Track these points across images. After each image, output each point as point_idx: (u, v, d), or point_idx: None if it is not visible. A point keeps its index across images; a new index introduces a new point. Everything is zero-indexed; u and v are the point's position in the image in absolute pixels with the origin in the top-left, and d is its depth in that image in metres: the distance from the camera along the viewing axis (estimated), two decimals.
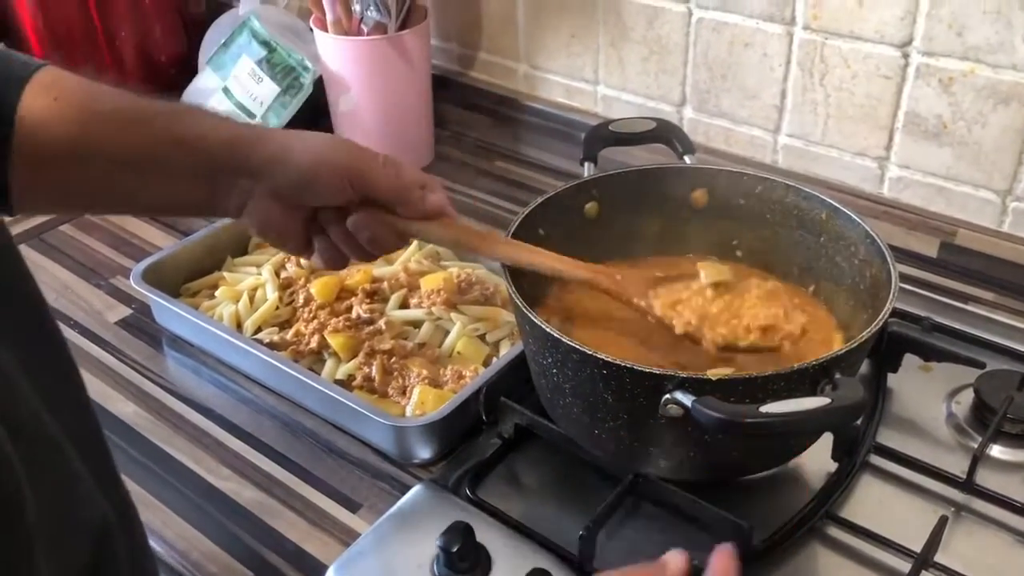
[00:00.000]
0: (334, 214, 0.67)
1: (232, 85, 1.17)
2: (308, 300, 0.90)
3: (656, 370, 0.59)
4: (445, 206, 0.69)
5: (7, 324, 0.44)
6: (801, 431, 0.56)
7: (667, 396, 0.59)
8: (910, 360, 0.82)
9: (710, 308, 0.72)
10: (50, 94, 0.59)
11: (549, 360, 0.66)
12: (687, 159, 0.85)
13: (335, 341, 0.84)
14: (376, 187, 0.65)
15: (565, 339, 0.62)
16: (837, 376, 0.59)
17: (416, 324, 0.88)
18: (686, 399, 0.57)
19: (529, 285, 0.74)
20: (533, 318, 0.65)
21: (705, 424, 0.55)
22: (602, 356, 0.60)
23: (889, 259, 0.69)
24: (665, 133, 0.85)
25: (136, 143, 0.61)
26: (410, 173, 0.67)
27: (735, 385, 0.58)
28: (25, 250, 1.08)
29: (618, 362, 0.60)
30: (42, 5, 1.29)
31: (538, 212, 0.78)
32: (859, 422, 0.77)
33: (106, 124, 0.61)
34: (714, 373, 0.58)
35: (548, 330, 0.63)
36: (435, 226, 0.69)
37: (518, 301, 0.67)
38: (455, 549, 0.64)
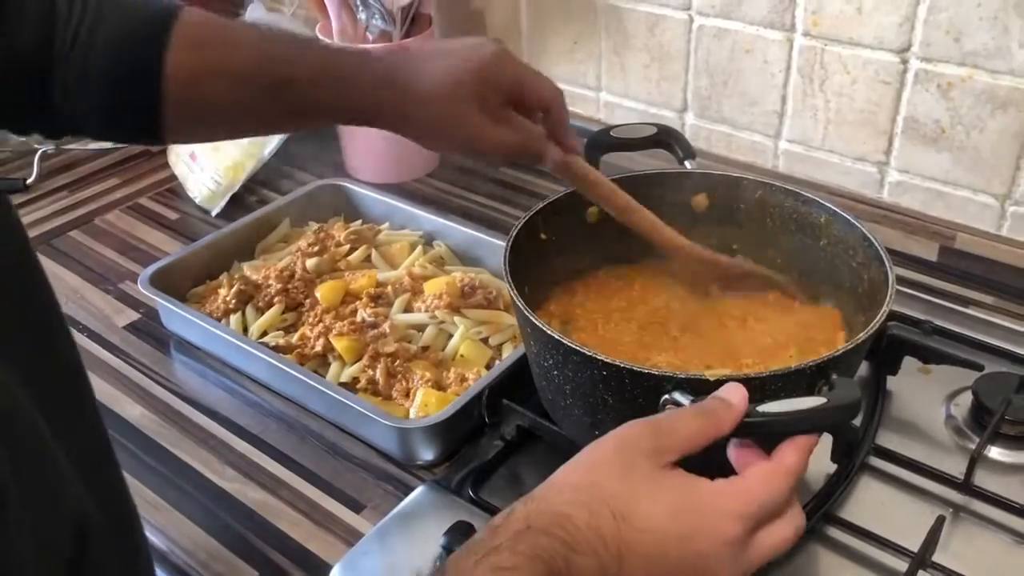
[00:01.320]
0: None
1: None
2: (313, 304, 0.91)
3: (655, 371, 0.60)
4: (562, 158, 0.73)
5: (13, 328, 0.44)
6: (798, 431, 0.56)
7: (666, 396, 0.59)
8: (909, 363, 0.82)
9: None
10: (194, 50, 0.64)
11: (550, 362, 0.67)
12: (688, 164, 0.85)
13: (340, 344, 0.85)
14: (488, 156, 0.71)
15: (566, 341, 0.63)
16: (834, 376, 0.60)
17: (420, 327, 0.89)
18: (684, 399, 0.58)
19: (531, 289, 0.75)
20: (535, 320, 0.66)
21: None
22: (602, 357, 0.61)
23: (887, 262, 0.70)
24: (666, 138, 0.86)
25: (275, 108, 0.67)
26: (539, 97, 0.71)
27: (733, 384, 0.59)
28: None
29: (617, 363, 0.61)
30: None
31: (540, 216, 0.79)
32: (858, 424, 0.77)
33: (247, 87, 0.65)
34: (712, 373, 0.59)
35: (550, 332, 0.64)
36: (557, 173, 0.74)
37: (520, 304, 0.68)
38: (457, 548, 0.64)
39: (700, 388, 0.58)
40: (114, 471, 0.54)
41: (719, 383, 0.59)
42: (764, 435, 0.53)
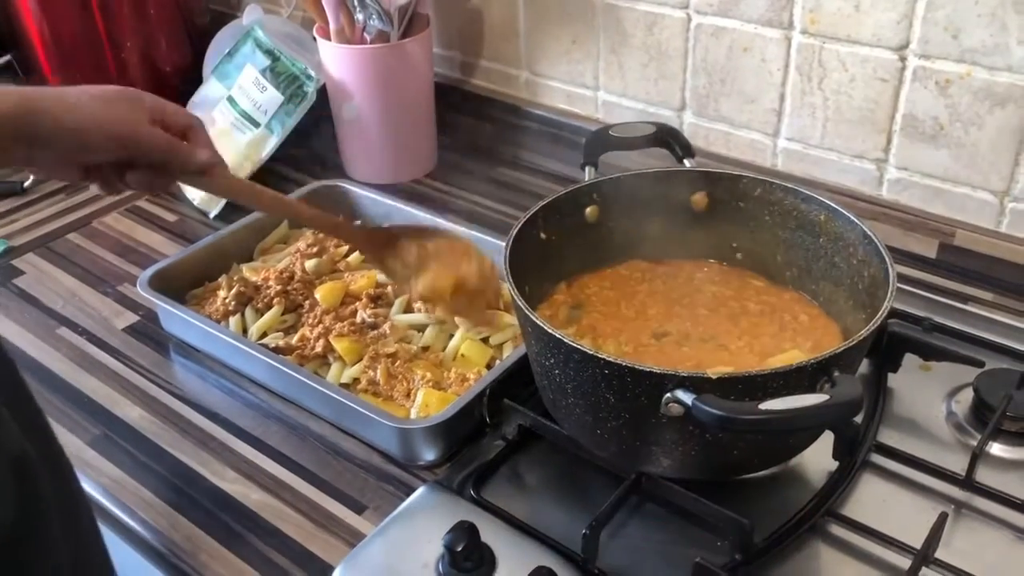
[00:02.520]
0: (112, 164, 0.70)
1: (236, 94, 1.18)
2: (313, 305, 0.91)
3: (657, 369, 0.60)
4: (211, 160, 0.73)
5: None
6: (800, 428, 0.56)
7: (668, 395, 0.59)
8: (910, 360, 0.82)
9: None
10: None
11: (551, 361, 0.67)
12: (687, 163, 0.85)
13: (340, 345, 0.85)
14: (145, 150, 0.69)
15: (567, 339, 0.63)
16: (836, 374, 0.60)
17: (420, 328, 0.88)
18: (686, 397, 0.58)
19: (531, 288, 0.75)
20: (535, 319, 0.66)
21: (705, 422, 0.56)
22: (603, 356, 0.61)
23: (887, 259, 0.70)
24: (665, 137, 0.86)
25: None
26: (179, 122, 0.72)
27: (735, 383, 0.59)
28: (33, 258, 1.09)
29: (619, 362, 0.61)
30: (48, 15, 1.30)
31: (539, 216, 0.79)
32: (860, 421, 0.77)
33: None
34: (714, 371, 0.59)
35: (551, 331, 0.64)
36: (205, 180, 0.74)
37: (521, 303, 0.67)
38: (460, 548, 0.64)
39: (702, 386, 0.59)
40: (36, 409, 0.56)
41: (721, 381, 0.59)
42: (767, 432, 0.53)
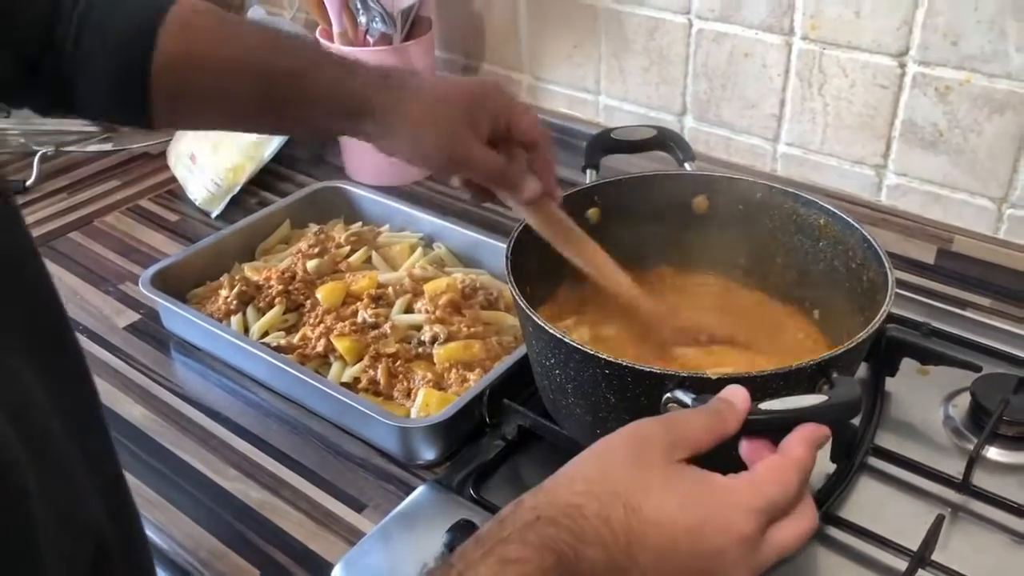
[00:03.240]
0: None
1: None
2: (314, 305, 0.91)
3: (657, 369, 0.60)
4: (535, 194, 0.71)
5: (24, 330, 0.44)
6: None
7: (668, 395, 0.60)
8: (909, 365, 0.83)
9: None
10: (185, 39, 0.65)
11: (552, 360, 0.68)
12: (687, 166, 0.86)
13: (341, 344, 0.85)
14: (473, 172, 0.70)
15: (567, 339, 0.64)
16: (834, 375, 0.60)
17: (420, 328, 0.89)
18: (686, 397, 0.58)
19: (532, 289, 0.76)
20: (536, 319, 0.66)
21: None
22: (604, 356, 0.62)
23: (886, 262, 0.70)
24: (666, 140, 0.87)
25: (262, 100, 0.68)
26: (525, 135, 0.70)
27: (735, 383, 0.59)
28: None
29: (620, 361, 0.61)
30: None
31: None
32: (858, 425, 0.78)
33: (235, 77, 0.66)
34: (714, 372, 0.59)
35: (551, 330, 0.64)
36: (528, 209, 0.73)
37: (522, 302, 0.68)
38: (460, 545, 0.64)
39: (702, 386, 0.59)
40: (122, 483, 0.54)
41: (721, 381, 0.59)
42: (767, 432, 0.53)
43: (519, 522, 0.44)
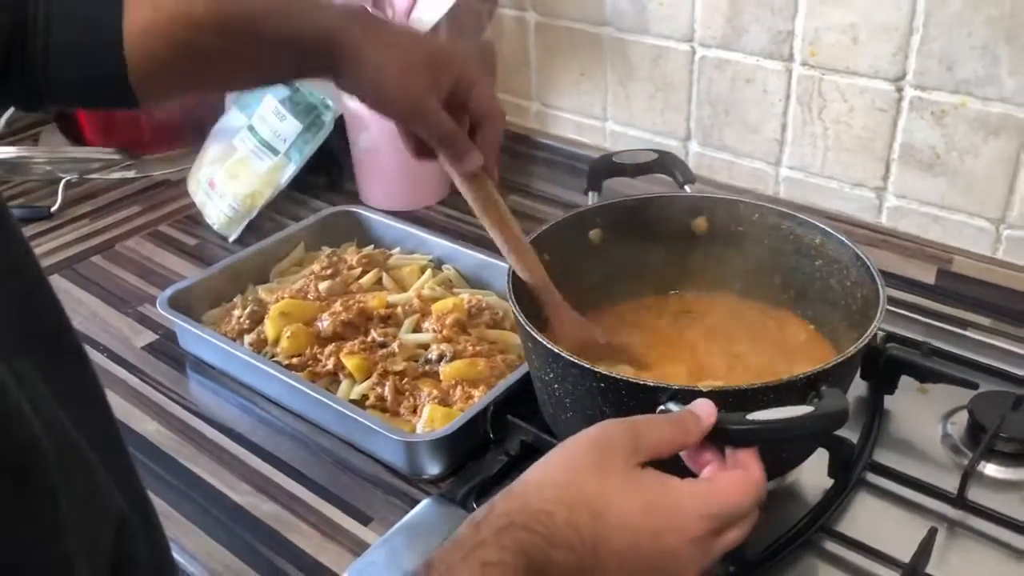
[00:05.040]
0: None
1: (256, 123, 1.22)
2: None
3: (651, 382, 0.62)
4: (475, 167, 0.72)
5: (26, 332, 0.46)
6: (788, 437, 0.58)
7: (661, 407, 0.61)
8: (907, 383, 0.84)
9: None
10: (151, 4, 0.65)
11: (550, 375, 0.70)
12: (687, 188, 0.88)
13: (350, 363, 0.87)
14: (424, 130, 0.71)
15: (564, 353, 0.66)
16: (823, 388, 0.62)
17: (428, 346, 0.91)
18: (678, 409, 0.60)
19: (536, 308, 0.78)
20: (535, 334, 0.68)
21: None
22: (598, 369, 0.64)
23: (878, 280, 0.72)
24: (666, 164, 0.89)
25: (239, 48, 0.68)
26: (478, 108, 0.71)
27: (725, 396, 0.61)
28: (57, 280, 1.13)
29: (613, 375, 0.63)
30: None
31: (543, 237, 0.81)
32: (856, 441, 0.79)
33: (207, 31, 0.67)
34: (705, 385, 0.61)
35: (549, 345, 0.67)
36: (466, 185, 0.74)
37: (521, 318, 0.70)
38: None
39: (693, 398, 0.61)
40: (129, 465, 0.56)
41: (712, 394, 0.61)
42: (754, 442, 0.55)
43: (493, 526, 0.48)
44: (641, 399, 0.63)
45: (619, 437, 0.52)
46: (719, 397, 0.61)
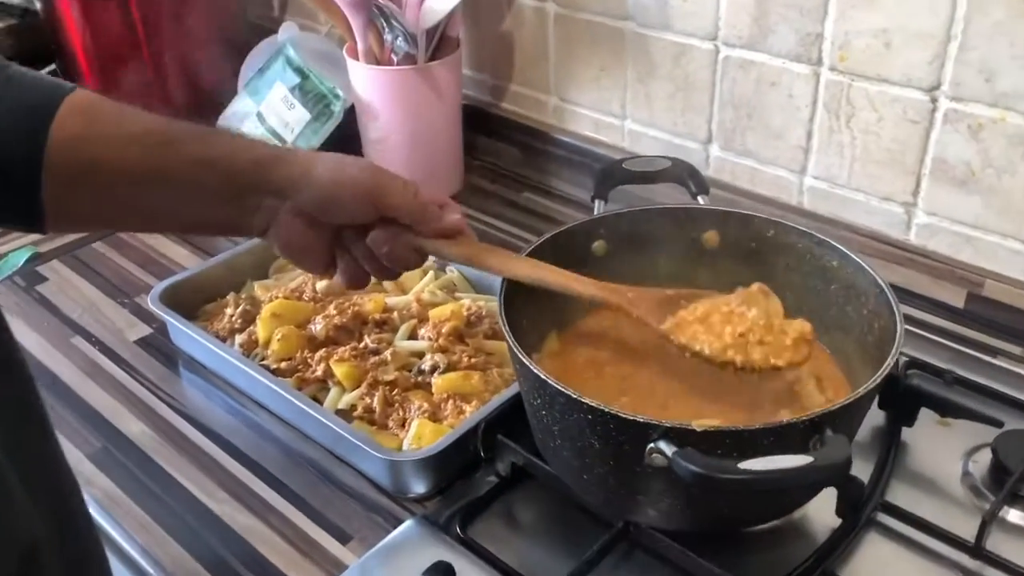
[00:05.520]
0: (356, 233, 0.70)
1: (265, 111, 1.19)
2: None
3: (640, 418, 0.58)
4: (461, 225, 0.72)
5: None
6: (781, 489, 0.54)
7: (651, 445, 0.57)
8: (928, 413, 0.79)
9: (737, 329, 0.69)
10: (83, 117, 0.61)
11: (539, 401, 0.65)
12: (700, 200, 0.83)
13: (339, 370, 0.84)
14: (395, 206, 0.68)
15: (551, 381, 0.61)
16: (828, 433, 0.57)
17: (422, 355, 0.87)
18: (668, 449, 0.56)
19: (530, 324, 0.74)
20: (523, 358, 0.64)
21: (683, 477, 0.54)
22: (587, 401, 0.59)
23: (896, 312, 0.67)
24: (679, 173, 0.84)
25: (165, 164, 0.64)
26: (428, 194, 0.71)
27: (722, 437, 0.57)
28: (58, 266, 1.11)
29: (602, 408, 0.59)
30: (91, 27, 1.33)
31: (546, 247, 0.77)
32: (868, 477, 0.74)
33: (136, 146, 0.63)
34: (699, 423, 0.57)
35: (536, 371, 0.62)
36: (450, 244, 0.71)
37: (510, 339, 0.66)
38: None
39: (686, 438, 0.56)
40: (60, 481, 0.53)
41: (706, 433, 0.57)
42: (747, 493, 0.51)
43: None
44: (630, 434, 0.59)
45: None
46: (714, 438, 0.57)
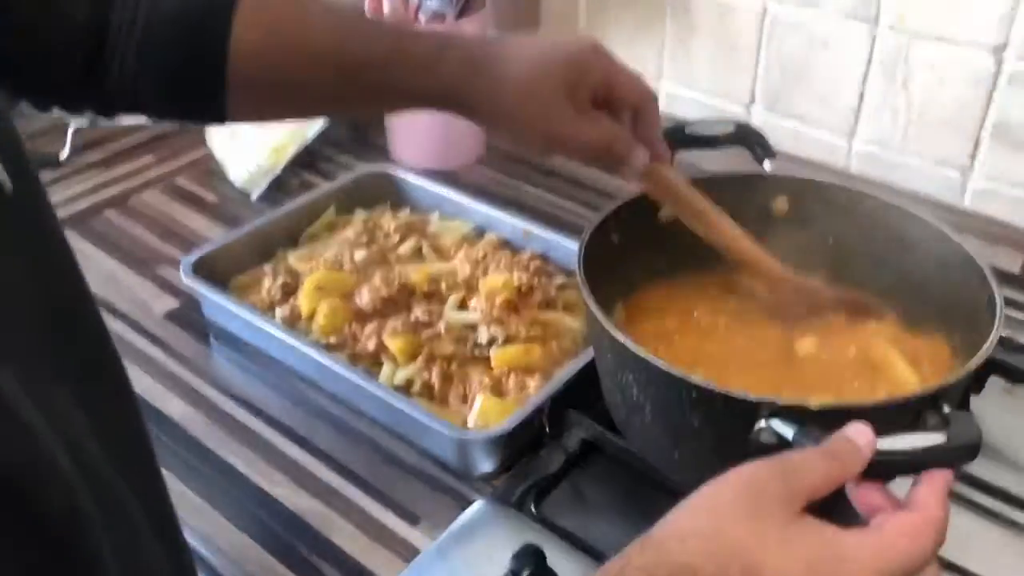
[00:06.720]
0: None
1: None
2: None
3: (752, 396, 0.55)
4: (644, 163, 0.67)
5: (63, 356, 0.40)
6: (914, 470, 0.52)
7: (761, 424, 0.55)
8: (994, 381, 0.77)
9: None
10: (261, 26, 0.61)
11: (629, 378, 0.63)
12: (767, 164, 0.80)
13: (394, 344, 0.81)
14: (576, 153, 0.66)
15: (652, 359, 0.59)
16: (947, 410, 0.55)
17: (475, 327, 0.84)
18: (786, 430, 0.53)
19: (600, 296, 0.71)
20: (613, 332, 0.61)
21: None
22: (694, 380, 0.57)
23: (992, 282, 0.65)
24: (745, 136, 0.81)
25: (348, 93, 0.65)
26: (629, 98, 0.66)
27: (839, 415, 0.54)
28: (69, 235, 1.05)
29: (712, 387, 0.56)
30: None
31: (611, 218, 0.74)
32: None
33: (317, 68, 0.62)
34: (815, 401, 0.55)
35: (634, 349, 0.60)
36: (643, 181, 0.69)
37: (598, 315, 0.63)
38: (527, 574, 0.60)
39: (801, 416, 0.54)
40: (170, 513, 0.50)
41: (823, 412, 0.54)
42: (882, 476, 0.49)
43: None
44: (738, 413, 0.56)
45: (772, 478, 0.44)
46: (831, 416, 0.54)
